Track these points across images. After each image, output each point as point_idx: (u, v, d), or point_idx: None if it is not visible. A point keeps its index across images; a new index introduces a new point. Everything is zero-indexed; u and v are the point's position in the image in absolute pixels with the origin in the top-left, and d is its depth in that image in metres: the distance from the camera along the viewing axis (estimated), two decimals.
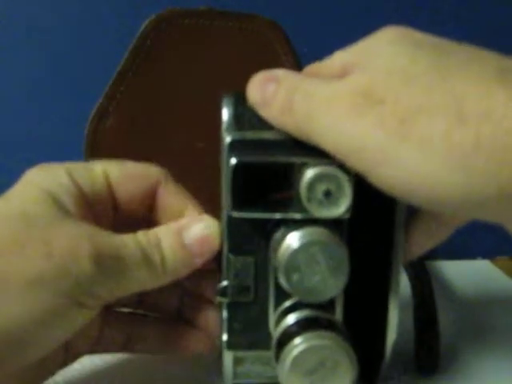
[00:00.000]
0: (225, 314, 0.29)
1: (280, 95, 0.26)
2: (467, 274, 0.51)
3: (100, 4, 0.52)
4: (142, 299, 0.33)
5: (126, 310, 0.33)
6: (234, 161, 0.25)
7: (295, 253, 0.25)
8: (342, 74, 0.25)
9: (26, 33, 0.52)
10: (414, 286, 0.40)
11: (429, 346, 0.35)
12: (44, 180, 0.28)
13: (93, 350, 0.32)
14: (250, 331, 0.29)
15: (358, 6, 0.54)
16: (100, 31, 0.52)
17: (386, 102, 0.23)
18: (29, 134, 0.53)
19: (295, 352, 0.25)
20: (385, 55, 0.24)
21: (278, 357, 0.26)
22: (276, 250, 0.26)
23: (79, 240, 0.26)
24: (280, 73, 0.27)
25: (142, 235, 0.28)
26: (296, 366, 0.25)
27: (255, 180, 0.25)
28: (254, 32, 0.43)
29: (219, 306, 0.30)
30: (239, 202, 0.26)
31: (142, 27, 0.41)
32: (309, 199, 0.25)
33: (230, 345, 0.29)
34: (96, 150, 0.42)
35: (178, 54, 0.43)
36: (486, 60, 0.23)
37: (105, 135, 0.42)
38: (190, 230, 0.28)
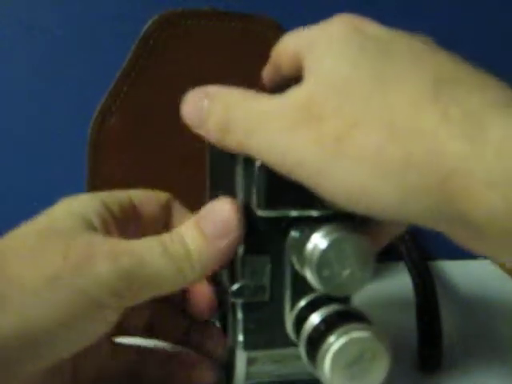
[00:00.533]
0: (239, 314, 0.29)
1: (215, 113, 0.26)
2: (469, 274, 0.51)
3: (103, 4, 0.52)
4: (151, 323, 0.33)
5: (133, 338, 0.33)
6: (259, 161, 0.26)
7: (326, 250, 0.25)
8: (295, 63, 0.26)
9: (28, 32, 0.52)
10: (416, 285, 0.40)
11: (431, 345, 0.35)
12: (73, 202, 0.29)
13: (98, 378, 0.31)
14: (265, 330, 0.29)
15: (358, 6, 0.54)
16: (103, 31, 0.52)
17: (323, 118, 0.23)
18: (32, 133, 0.53)
19: (335, 347, 0.25)
20: (329, 58, 0.24)
21: (312, 355, 0.26)
22: (300, 248, 0.26)
23: (96, 243, 0.26)
24: (210, 89, 0.27)
25: (165, 235, 0.27)
26: (337, 360, 0.25)
27: (280, 179, 0.25)
28: (256, 32, 0.43)
29: (231, 308, 0.30)
30: (266, 201, 0.26)
31: (145, 27, 0.42)
32: None
33: (246, 345, 0.29)
34: (99, 149, 0.42)
35: (181, 54, 0.43)
36: (425, 66, 0.23)
37: (108, 134, 0.42)
38: (206, 218, 0.27)
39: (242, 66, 0.42)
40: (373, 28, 0.25)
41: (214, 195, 0.34)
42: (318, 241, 0.26)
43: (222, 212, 0.27)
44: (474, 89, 0.21)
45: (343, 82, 0.23)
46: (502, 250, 0.21)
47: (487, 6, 0.56)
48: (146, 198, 0.32)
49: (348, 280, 0.26)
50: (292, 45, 0.27)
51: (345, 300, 0.28)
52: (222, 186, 0.31)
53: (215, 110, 0.26)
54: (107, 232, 0.28)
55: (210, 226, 0.27)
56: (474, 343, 0.38)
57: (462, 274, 0.51)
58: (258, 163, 0.26)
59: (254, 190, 0.26)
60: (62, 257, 0.25)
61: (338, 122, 0.22)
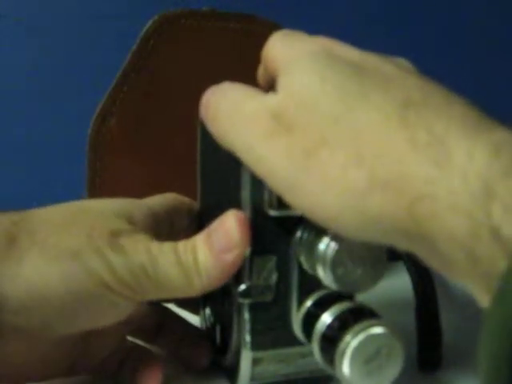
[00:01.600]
0: (246, 315, 0.29)
1: (212, 100, 0.27)
2: None
3: (103, 5, 0.52)
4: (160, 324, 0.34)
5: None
6: None
7: (340, 249, 0.26)
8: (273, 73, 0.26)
9: (28, 33, 0.52)
10: (415, 285, 0.40)
11: (431, 345, 0.35)
12: (115, 200, 0.31)
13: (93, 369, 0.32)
14: (272, 330, 0.29)
15: (358, 6, 0.54)
16: (103, 32, 0.52)
17: (294, 130, 0.23)
18: (32, 134, 0.53)
19: (354, 344, 0.26)
20: (299, 73, 0.24)
21: (328, 354, 0.27)
22: (310, 247, 0.27)
23: (121, 233, 0.27)
24: (225, 84, 0.27)
25: (180, 243, 0.28)
26: (356, 358, 0.26)
27: None
28: (255, 33, 0.43)
29: (237, 308, 0.30)
30: (277, 201, 0.26)
31: (145, 28, 0.42)
32: None
33: (253, 345, 0.29)
34: (99, 149, 0.42)
35: (181, 55, 0.43)
36: (394, 89, 0.23)
37: (108, 135, 0.42)
38: (216, 232, 0.28)
39: (241, 67, 0.42)
40: (345, 50, 0.25)
41: (207, 192, 0.34)
42: (331, 240, 0.26)
43: (229, 227, 0.28)
44: (441, 112, 0.21)
45: (312, 98, 0.23)
46: (467, 280, 0.20)
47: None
48: (180, 206, 0.34)
49: (361, 278, 0.26)
50: (271, 57, 0.27)
51: (350, 297, 0.29)
52: (218, 182, 0.31)
53: (213, 97, 0.27)
54: (146, 228, 0.30)
55: (218, 240, 0.28)
56: (473, 343, 0.38)
57: None
58: None
59: (266, 190, 0.27)
60: (86, 235, 0.27)
61: (307, 136, 0.23)
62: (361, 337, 0.26)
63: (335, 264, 0.26)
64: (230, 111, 0.26)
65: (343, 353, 0.26)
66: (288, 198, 0.24)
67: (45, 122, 0.53)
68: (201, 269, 0.28)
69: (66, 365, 0.31)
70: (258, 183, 0.27)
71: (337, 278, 0.26)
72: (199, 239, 0.28)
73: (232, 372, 0.31)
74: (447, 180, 0.19)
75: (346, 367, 0.26)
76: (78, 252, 0.26)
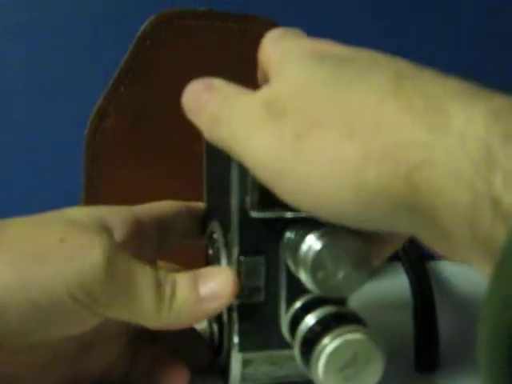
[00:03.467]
0: (235, 316, 0.29)
1: (210, 106, 0.26)
2: (466, 274, 0.51)
3: (100, 5, 0.52)
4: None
5: None
6: None
7: (320, 252, 0.25)
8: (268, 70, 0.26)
9: (25, 33, 0.52)
10: (413, 286, 0.40)
11: (428, 345, 0.35)
12: (95, 208, 0.30)
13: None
14: (261, 332, 0.29)
15: (358, 6, 0.54)
16: (100, 31, 0.52)
17: (285, 116, 0.23)
18: (29, 134, 0.53)
19: (329, 349, 0.25)
20: (292, 68, 0.24)
21: (306, 357, 0.26)
22: (295, 250, 0.26)
23: (97, 241, 0.27)
24: (217, 83, 0.27)
25: (161, 272, 0.28)
26: (330, 363, 0.25)
27: None
28: (253, 33, 0.43)
29: (226, 309, 0.30)
30: (260, 203, 0.26)
31: (142, 28, 0.42)
32: None
33: (242, 347, 0.29)
34: (96, 149, 0.42)
35: (178, 55, 0.43)
36: (385, 67, 0.22)
37: (105, 135, 0.42)
38: (205, 278, 0.28)
39: (239, 66, 0.42)
40: (334, 47, 0.25)
41: (210, 194, 0.34)
42: (313, 242, 0.26)
43: (220, 280, 0.28)
44: (436, 82, 0.21)
45: (305, 83, 0.23)
46: (467, 254, 0.19)
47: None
48: (178, 211, 0.33)
49: (343, 282, 0.26)
50: (264, 59, 0.27)
51: (341, 301, 0.28)
52: (218, 184, 0.31)
53: (212, 103, 0.26)
54: (127, 233, 0.29)
55: (206, 287, 0.28)
56: (471, 344, 0.38)
57: (459, 274, 0.51)
58: None
59: (248, 192, 0.26)
60: (59, 238, 0.26)
61: (298, 120, 0.22)
62: (337, 342, 0.25)
63: (315, 267, 0.25)
64: (229, 114, 0.25)
65: (319, 357, 0.25)
66: (280, 189, 0.23)
67: (42, 122, 0.53)
68: (174, 306, 0.27)
69: (67, 378, 0.30)
70: (242, 186, 0.27)
71: (317, 281, 0.25)
72: (182, 277, 0.28)
73: (225, 372, 0.31)
74: (446, 144, 0.19)
75: (320, 371, 0.25)
76: (46, 255, 0.25)
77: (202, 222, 0.34)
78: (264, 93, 0.24)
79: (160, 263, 0.34)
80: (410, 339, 0.36)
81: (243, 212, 0.27)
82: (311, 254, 0.25)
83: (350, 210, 0.21)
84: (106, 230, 0.28)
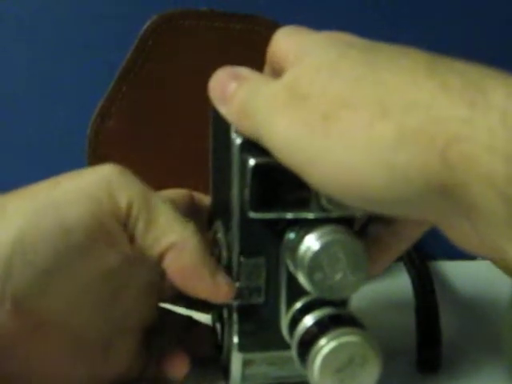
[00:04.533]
0: (235, 316, 0.29)
1: (239, 96, 0.26)
2: (468, 274, 0.51)
3: (102, 5, 0.52)
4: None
5: None
6: (252, 162, 0.25)
7: (317, 253, 0.25)
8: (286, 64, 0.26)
9: (27, 33, 0.52)
10: (415, 286, 0.40)
11: (431, 346, 0.35)
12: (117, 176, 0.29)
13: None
14: (261, 332, 0.29)
15: (358, 6, 0.54)
16: (102, 32, 0.52)
17: (310, 98, 0.22)
18: (30, 135, 0.53)
19: (325, 351, 0.25)
20: (315, 52, 0.24)
21: (303, 358, 0.26)
22: (293, 251, 0.26)
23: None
24: (244, 72, 0.27)
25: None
26: (326, 364, 0.25)
27: (273, 180, 0.25)
28: (254, 33, 0.43)
29: (227, 309, 0.30)
30: (258, 203, 0.26)
31: (144, 28, 0.42)
32: None
33: (241, 347, 0.29)
34: (98, 150, 0.42)
35: (180, 55, 0.43)
36: (416, 54, 0.22)
37: (107, 136, 0.42)
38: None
39: (240, 66, 0.42)
40: (357, 39, 0.25)
41: (215, 191, 0.34)
42: (311, 243, 0.25)
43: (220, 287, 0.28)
44: (469, 66, 0.20)
45: (331, 64, 0.23)
46: (499, 236, 0.19)
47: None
48: (185, 199, 0.33)
49: (340, 283, 0.25)
50: (282, 51, 0.27)
51: (342, 303, 0.28)
52: (221, 183, 0.31)
53: (240, 94, 0.26)
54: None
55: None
56: (473, 344, 0.38)
57: (462, 274, 0.51)
58: (250, 164, 0.26)
59: (246, 192, 0.26)
60: (55, 182, 0.26)
61: (324, 101, 0.22)
62: (333, 343, 0.25)
63: (313, 268, 0.25)
64: (257, 104, 0.25)
65: (315, 358, 0.25)
66: (310, 174, 0.22)
67: (43, 122, 0.53)
68: (189, 228, 0.27)
69: (86, 378, 0.30)
70: (242, 185, 0.26)
71: (314, 282, 0.25)
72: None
73: (226, 372, 0.31)
74: (486, 120, 0.18)
75: (316, 373, 0.25)
76: (66, 178, 0.26)
77: (208, 214, 0.34)
78: (285, 78, 0.24)
79: None
80: (412, 339, 0.36)
81: (243, 212, 0.27)
82: (309, 255, 0.25)
83: (381, 191, 0.20)
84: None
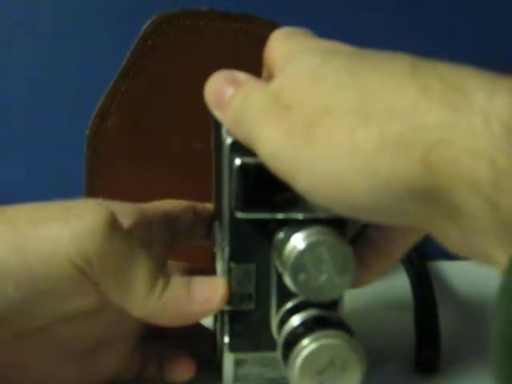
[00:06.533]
0: (226, 317, 0.29)
1: (235, 102, 0.26)
2: (467, 275, 0.51)
3: (102, 4, 0.52)
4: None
5: None
6: (238, 162, 0.25)
7: (302, 253, 0.25)
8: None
9: (26, 33, 0.52)
10: (414, 286, 0.40)
11: (429, 346, 0.35)
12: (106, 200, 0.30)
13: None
14: (252, 333, 0.29)
15: (358, 6, 0.54)
16: (102, 31, 0.52)
17: (293, 107, 0.22)
18: (30, 134, 0.53)
19: (305, 352, 0.25)
20: (299, 59, 0.24)
21: (286, 358, 0.26)
22: (280, 251, 0.26)
23: (98, 210, 0.26)
24: (241, 77, 0.26)
25: (156, 267, 0.28)
26: (306, 366, 0.25)
27: (260, 180, 0.25)
28: (254, 33, 0.43)
29: (219, 311, 0.30)
30: (244, 203, 0.26)
31: (144, 28, 0.41)
32: None
33: (232, 347, 0.29)
34: (97, 150, 0.42)
35: (179, 55, 0.43)
36: (400, 59, 0.22)
37: (106, 135, 0.42)
38: (200, 284, 0.28)
39: (240, 67, 0.42)
40: (345, 46, 0.25)
41: (215, 193, 0.34)
42: (297, 243, 0.25)
43: (212, 286, 0.28)
44: (451, 68, 0.20)
45: (313, 72, 0.23)
46: (484, 239, 0.18)
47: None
48: (185, 211, 0.33)
49: (325, 285, 0.25)
50: (272, 58, 0.27)
51: (332, 305, 0.28)
52: (218, 184, 0.31)
53: (235, 101, 0.26)
54: (135, 233, 0.29)
55: (197, 290, 0.28)
56: (472, 345, 0.38)
57: (461, 274, 0.51)
58: (236, 163, 0.26)
59: (233, 192, 0.26)
60: (64, 208, 0.26)
61: (307, 110, 0.22)
62: (313, 345, 0.25)
63: (297, 268, 0.25)
64: (241, 107, 0.25)
65: (295, 359, 0.25)
66: (295, 181, 0.22)
67: (42, 122, 0.53)
68: (164, 297, 0.27)
69: (77, 378, 0.30)
70: (230, 186, 0.26)
71: (297, 283, 0.25)
72: (177, 276, 0.28)
73: (219, 371, 0.31)
74: (466, 121, 0.18)
75: (296, 374, 0.25)
76: (45, 220, 0.25)
77: (209, 223, 0.34)
78: (271, 86, 0.24)
79: (171, 262, 0.34)
80: (411, 340, 0.36)
81: (232, 213, 0.27)
82: (294, 254, 0.25)
83: (365, 199, 0.20)
84: (112, 213, 0.28)
